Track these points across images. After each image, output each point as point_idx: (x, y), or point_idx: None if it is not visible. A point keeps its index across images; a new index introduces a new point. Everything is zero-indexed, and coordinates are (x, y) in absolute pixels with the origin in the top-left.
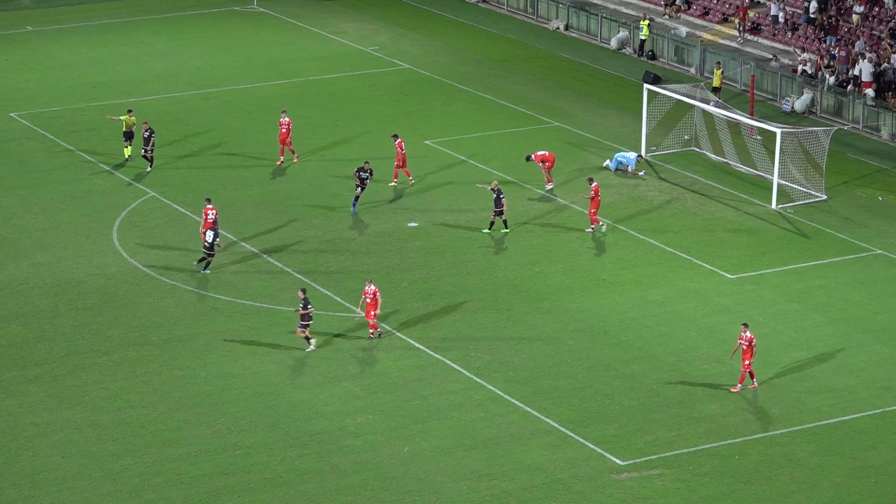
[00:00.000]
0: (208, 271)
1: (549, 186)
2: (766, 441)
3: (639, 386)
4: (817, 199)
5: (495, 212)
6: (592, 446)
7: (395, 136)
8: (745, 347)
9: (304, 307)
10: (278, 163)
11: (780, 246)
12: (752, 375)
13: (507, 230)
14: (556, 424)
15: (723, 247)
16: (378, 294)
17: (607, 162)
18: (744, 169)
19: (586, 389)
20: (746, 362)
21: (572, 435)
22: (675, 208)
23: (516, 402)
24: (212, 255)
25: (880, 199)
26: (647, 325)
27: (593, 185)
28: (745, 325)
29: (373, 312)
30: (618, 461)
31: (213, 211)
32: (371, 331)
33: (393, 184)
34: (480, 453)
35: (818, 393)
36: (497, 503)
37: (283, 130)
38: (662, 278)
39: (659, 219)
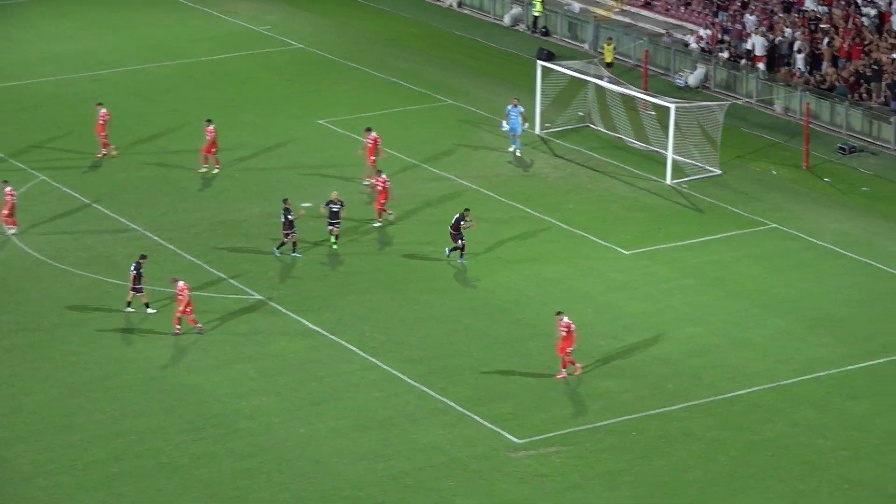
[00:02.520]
0: (278, 252)
1: (367, 181)
2: (663, 416)
3: (535, 363)
4: (712, 174)
5: (333, 223)
6: (489, 425)
7: (209, 122)
8: (563, 334)
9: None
10: (98, 155)
11: (675, 221)
12: (571, 362)
13: (336, 246)
14: (452, 403)
15: (618, 223)
16: (187, 291)
17: (512, 147)
18: (638, 144)
19: (483, 368)
20: (568, 349)
21: (469, 414)
22: (569, 185)
23: (412, 381)
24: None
25: (774, 172)
26: (543, 303)
27: (382, 176)
28: (560, 312)
29: (186, 309)
30: (515, 439)
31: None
32: (177, 326)
33: (203, 169)
34: (377, 434)
35: (714, 367)
36: (394, 484)
37: (100, 122)
38: (558, 255)
39: (554, 196)
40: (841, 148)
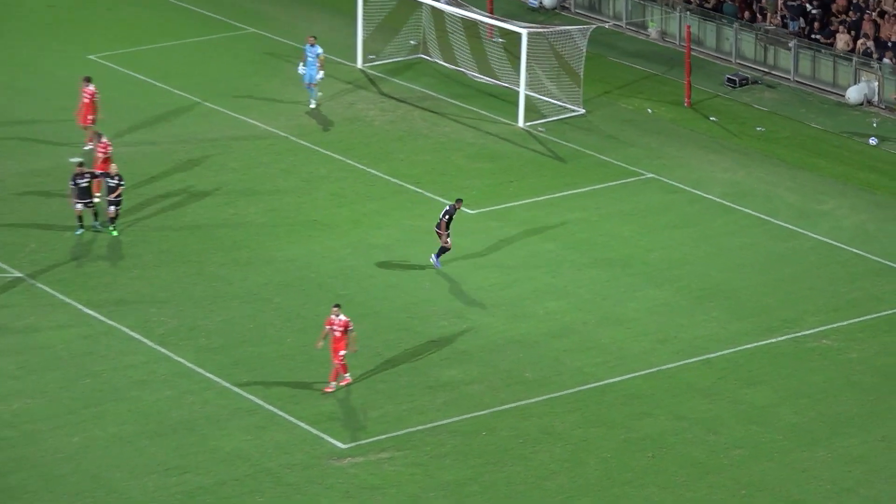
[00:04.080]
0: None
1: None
2: (518, 412)
3: (362, 350)
4: (574, 114)
5: (110, 202)
6: (307, 427)
7: None
8: (337, 335)
9: None
10: None
11: (530, 172)
12: (344, 369)
13: (115, 231)
14: (260, 402)
15: (460, 176)
16: None
17: (311, 104)
18: (484, 79)
19: (297, 357)
20: (341, 353)
21: (281, 414)
22: (400, 130)
23: (211, 376)
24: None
25: (650, 111)
26: (369, 276)
27: (104, 140)
28: (338, 306)
29: None
30: (339, 444)
31: None
32: None
33: None
34: (168, 441)
35: (581, 351)
36: (191, 502)
37: None
38: (387, 217)
39: (381, 144)
40: (730, 80)
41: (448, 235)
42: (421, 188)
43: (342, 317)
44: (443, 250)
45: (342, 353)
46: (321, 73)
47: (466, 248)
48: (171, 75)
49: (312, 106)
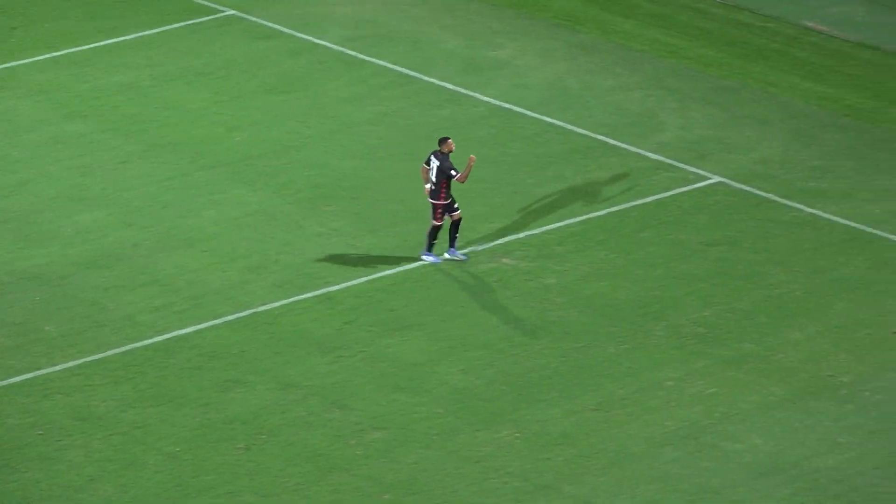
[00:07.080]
0: None
1: None
2: (35, 387)
3: None
4: None
5: None
6: None
7: None
8: None
9: None
10: None
11: (42, 14)
12: None
13: None
14: None
15: None
16: None
17: None
18: None
19: None
20: None
21: None
22: None
23: None
24: None
25: None
26: None
27: None
28: None
29: None
30: None
31: None
32: None
33: None
34: None
35: (132, 288)
36: None
37: None
38: None
39: None
40: None
41: (442, 208)
42: None
43: None
44: (434, 232)
45: None
46: None
47: None
48: None
49: None
